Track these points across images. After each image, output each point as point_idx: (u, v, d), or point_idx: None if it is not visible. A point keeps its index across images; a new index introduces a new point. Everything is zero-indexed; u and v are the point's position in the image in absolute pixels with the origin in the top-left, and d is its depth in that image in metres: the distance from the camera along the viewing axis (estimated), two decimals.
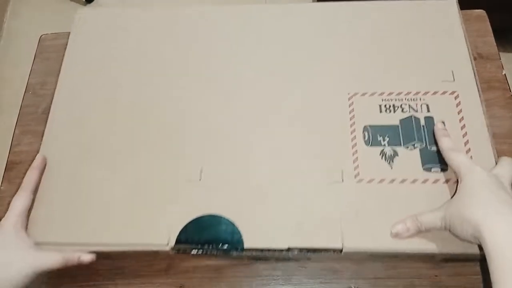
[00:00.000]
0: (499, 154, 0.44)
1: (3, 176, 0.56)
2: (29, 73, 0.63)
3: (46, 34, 0.67)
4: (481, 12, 0.60)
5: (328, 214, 0.42)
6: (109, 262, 0.50)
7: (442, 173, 0.42)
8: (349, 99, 0.47)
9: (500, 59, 0.57)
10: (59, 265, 0.42)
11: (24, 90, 0.62)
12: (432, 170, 0.42)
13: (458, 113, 0.45)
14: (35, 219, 0.45)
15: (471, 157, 0.43)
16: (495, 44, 0.58)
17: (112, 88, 0.52)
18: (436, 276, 0.46)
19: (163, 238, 0.42)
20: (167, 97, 0.51)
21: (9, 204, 0.54)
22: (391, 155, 0.43)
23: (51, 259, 0.41)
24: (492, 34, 0.59)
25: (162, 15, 0.56)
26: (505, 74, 0.56)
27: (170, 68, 0.53)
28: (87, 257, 0.42)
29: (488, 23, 0.60)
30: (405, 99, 0.46)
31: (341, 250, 0.40)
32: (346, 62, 0.50)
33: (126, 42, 0.56)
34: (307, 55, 0.52)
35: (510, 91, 0.56)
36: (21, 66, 0.77)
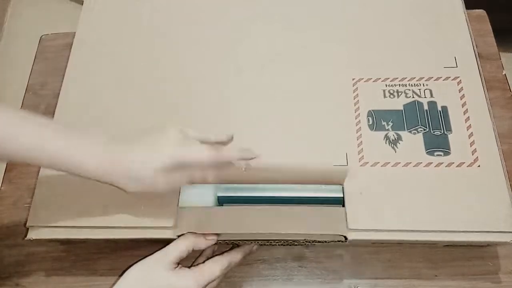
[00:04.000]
0: None
1: (3, 176, 0.56)
2: (29, 73, 0.63)
3: (46, 34, 0.67)
4: (481, 12, 0.60)
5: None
6: (109, 262, 0.50)
7: (445, 157, 0.43)
8: (353, 84, 0.48)
9: (500, 59, 0.57)
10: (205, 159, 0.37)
11: (25, 90, 0.62)
12: (435, 154, 0.43)
13: (461, 98, 0.46)
14: (37, 202, 0.45)
15: (473, 141, 0.43)
16: (495, 44, 0.58)
17: (123, 65, 0.53)
18: (436, 276, 0.46)
19: (169, 221, 0.41)
20: (177, 76, 0.51)
21: (9, 204, 0.54)
22: (394, 139, 0.44)
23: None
24: (492, 34, 0.59)
25: None
26: (505, 74, 0.56)
27: (179, 44, 0.53)
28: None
29: (488, 23, 0.60)
30: (409, 84, 0.47)
31: (345, 238, 0.40)
32: (350, 48, 0.51)
33: (137, 17, 0.56)
34: (312, 40, 0.52)
35: (510, 91, 0.56)
36: (21, 66, 0.77)
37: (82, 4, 0.58)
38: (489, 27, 0.59)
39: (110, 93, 0.50)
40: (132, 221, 0.42)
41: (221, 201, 0.44)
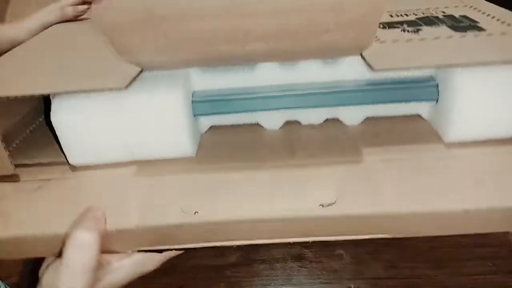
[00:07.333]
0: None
1: None
2: None
3: None
4: None
5: None
6: None
7: (481, 32, 0.34)
8: None
9: None
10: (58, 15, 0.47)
11: None
12: (468, 31, 0.35)
13: (483, 13, 0.39)
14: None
15: (509, 23, 0.36)
16: None
17: None
18: (436, 276, 0.46)
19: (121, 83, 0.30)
20: None
21: None
22: (415, 30, 0.36)
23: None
24: None
25: None
26: None
27: None
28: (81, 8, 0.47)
29: None
30: (416, 10, 0.41)
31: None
32: None
33: None
34: None
35: None
36: None
37: None
38: None
39: None
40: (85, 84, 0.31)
41: (198, 109, 0.34)
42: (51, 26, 0.47)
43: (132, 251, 0.29)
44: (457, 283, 0.46)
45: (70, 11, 0.47)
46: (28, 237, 0.30)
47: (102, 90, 0.29)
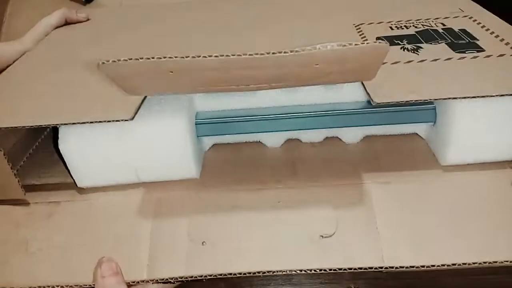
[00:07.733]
0: None
1: None
2: None
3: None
4: None
5: None
6: None
7: (479, 53, 0.36)
8: (355, 27, 0.43)
9: None
10: (61, 18, 0.49)
11: None
12: (467, 52, 0.36)
13: (478, 24, 0.40)
14: None
15: (507, 42, 0.38)
16: None
17: None
18: (436, 276, 0.46)
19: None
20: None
21: None
22: (414, 48, 0.38)
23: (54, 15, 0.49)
24: None
25: None
26: None
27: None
28: (82, 15, 0.49)
29: None
30: (416, 22, 0.43)
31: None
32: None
33: None
34: None
35: None
36: None
37: (83, 4, 0.58)
38: None
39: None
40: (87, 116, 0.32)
41: (201, 130, 0.35)
42: (52, 28, 0.47)
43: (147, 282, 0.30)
44: (457, 283, 0.46)
45: (72, 15, 0.48)
46: (49, 273, 0.31)
47: (107, 121, 0.30)
